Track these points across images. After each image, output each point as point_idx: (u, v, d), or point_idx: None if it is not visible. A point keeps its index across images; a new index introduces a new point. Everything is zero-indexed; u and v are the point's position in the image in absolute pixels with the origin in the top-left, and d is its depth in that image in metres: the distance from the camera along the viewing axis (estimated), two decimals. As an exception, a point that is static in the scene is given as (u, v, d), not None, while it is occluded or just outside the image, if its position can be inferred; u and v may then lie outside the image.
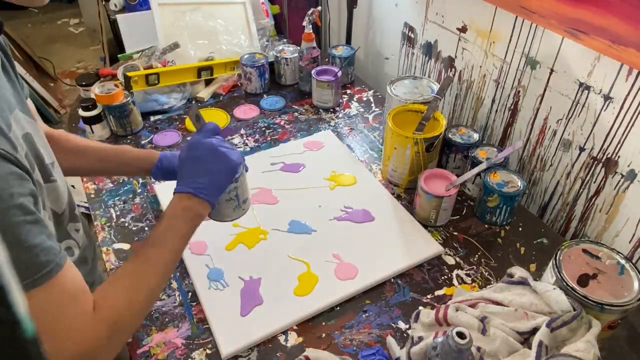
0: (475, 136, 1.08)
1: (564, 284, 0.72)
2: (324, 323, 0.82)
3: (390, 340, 0.77)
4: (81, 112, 1.20)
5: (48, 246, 0.53)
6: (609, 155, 0.92)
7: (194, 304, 0.85)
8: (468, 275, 0.90)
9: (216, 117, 1.33)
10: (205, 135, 0.75)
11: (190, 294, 0.86)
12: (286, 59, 1.42)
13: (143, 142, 1.24)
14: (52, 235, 0.54)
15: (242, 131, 1.28)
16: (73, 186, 2.10)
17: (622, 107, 0.86)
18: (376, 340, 0.79)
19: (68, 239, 0.72)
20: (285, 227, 0.98)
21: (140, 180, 1.11)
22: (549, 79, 0.99)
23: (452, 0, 1.17)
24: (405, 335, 0.80)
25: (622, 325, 0.76)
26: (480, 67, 1.16)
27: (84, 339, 0.55)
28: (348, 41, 1.63)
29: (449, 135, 1.08)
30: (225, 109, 1.36)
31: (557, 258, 0.75)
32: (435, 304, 0.85)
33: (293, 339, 0.79)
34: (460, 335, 0.59)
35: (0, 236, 0.46)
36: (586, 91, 0.92)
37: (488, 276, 0.90)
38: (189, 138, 0.74)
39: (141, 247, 0.66)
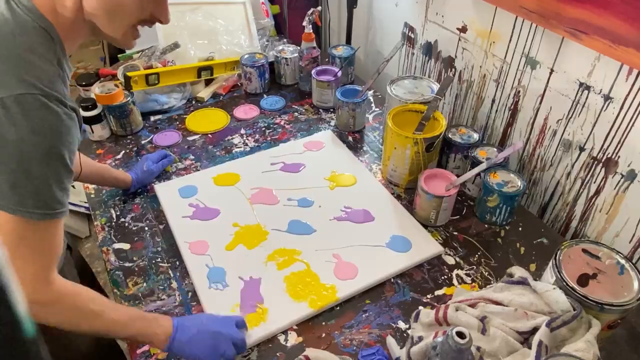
0: (475, 136, 1.08)
1: (564, 283, 0.72)
2: (324, 323, 0.82)
3: (390, 340, 0.77)
4: (81, 112, 1.20)
5: (65, 198, 0.62)
6: (609, 155, 0.92)
7: (194, 304, 0.85)
8: (468, 275, 0.90)
9: (216, 117, 1.33)
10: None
11: (190, 294, 0.86)
12: (286, 59, 1.42)
13: (143, 142, 1.24)
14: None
15: (242, 131, 1.28)
16: (73, 186, 2.10)
17: (622, 107, 0.86)
18: (376, 340, 0.79)
19: None
20: (285, 227, 0.98)
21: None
22: (549, 79, 0.99)
23: (452, 0, 1.17)
24: (405, 335, 0.80)
25: (622, 325, 0.76)
26: (480, 67, 1.16)
27: (33, 290, 0.59)
28: (348, 41, 1.63)
29: (449, 135, 1.08)
30: (225, 109, 1.36)
31: (557, 258, 0.75)
32: (435, 304, 0.85)
33: (293, 339, 0.79)
34: (460, 335, 0.59)
35: (46, 158, 0.57)
36: (586, 91, 0.92)
37: (488, 276, 0.90)
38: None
39: (113, 306, 0.70)
